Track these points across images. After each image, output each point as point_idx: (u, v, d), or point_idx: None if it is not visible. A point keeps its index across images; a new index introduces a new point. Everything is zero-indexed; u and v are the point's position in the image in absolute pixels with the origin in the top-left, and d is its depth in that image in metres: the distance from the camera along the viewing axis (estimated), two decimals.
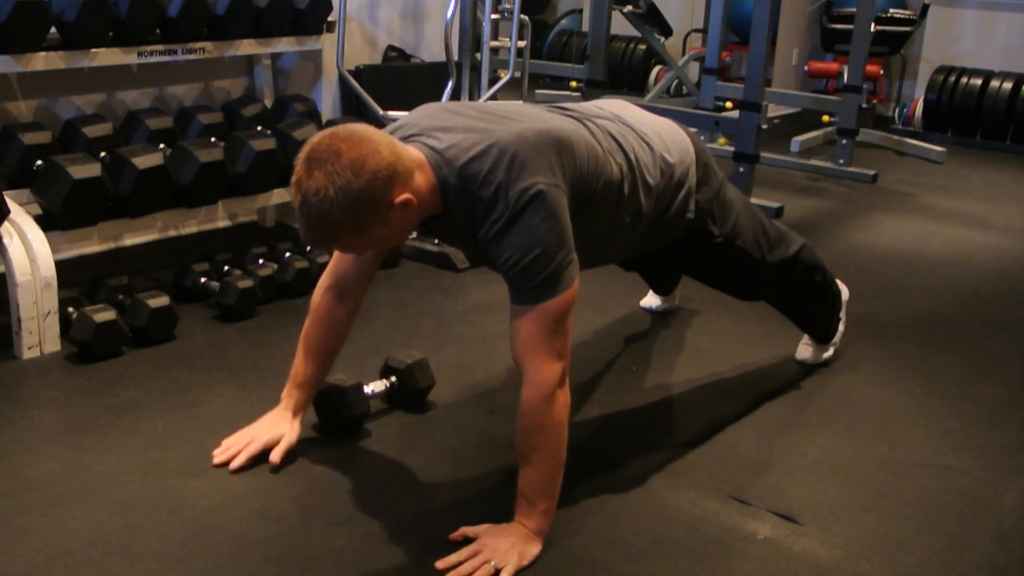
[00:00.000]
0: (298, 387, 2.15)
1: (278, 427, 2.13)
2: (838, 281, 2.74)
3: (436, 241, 3.42)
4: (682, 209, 2.16)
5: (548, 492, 1.82)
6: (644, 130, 2.10)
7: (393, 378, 2.38)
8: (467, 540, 1.84)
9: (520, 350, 1.78)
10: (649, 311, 3.12)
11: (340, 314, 2.09)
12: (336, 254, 2.06)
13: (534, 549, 1.81)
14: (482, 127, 1.82)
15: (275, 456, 2.09)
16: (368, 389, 2.30)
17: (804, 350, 2.77)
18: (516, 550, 1.79)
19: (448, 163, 1.77)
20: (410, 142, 1.81)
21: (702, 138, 5.83)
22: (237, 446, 2.11)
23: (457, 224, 1.83)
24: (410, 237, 3.30)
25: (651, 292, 3.12)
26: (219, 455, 2.10)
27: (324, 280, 2.10)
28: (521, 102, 2.05)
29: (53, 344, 2.61)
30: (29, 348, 2.58)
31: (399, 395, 2.38)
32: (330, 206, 1.63)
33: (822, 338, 2.75)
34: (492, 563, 1.77)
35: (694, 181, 2.18)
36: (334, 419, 2.23)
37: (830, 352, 2.77)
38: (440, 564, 1.78)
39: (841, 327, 2.77)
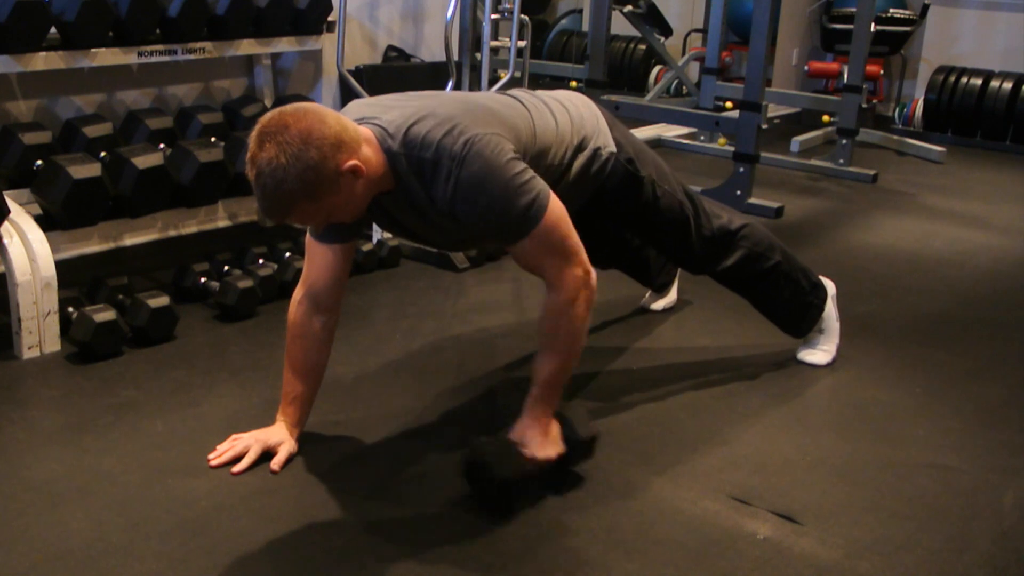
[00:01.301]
0: (291, 404, 2.16)
1: (277, 435, 2.14)
2: (823, 278, 2.73)
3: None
4: (600, 145, 2.26)
5: (562, 380, 2.02)
6: (548, 93, 2.28)
7: None
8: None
9: (533, 268, 1.95)
10: (648, 310, 3.11)
11: (316, 328, 2.11)
12: (306, 267, 2.10)
13: (556, 427, 2.03)
14: (417, 104, 1.94)
15: (275, 464, 2.09)
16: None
17: (802, 350, 2.77)
18: (550, 438, 2.01)
19: (391, 134, 1.87)
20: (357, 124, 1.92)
21: (701, 138, 5.88)
22: (234, 449, 2.11)
23: (411, 195, 1.91)
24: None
25: (649, 292, 3.12)
26: (215, 459, 2.10)
27: (296, 293, 2.13)
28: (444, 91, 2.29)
29: (53, 344, 2.61)
30: (29, 348, 2.58)
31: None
32: (283, 173, 1.72)
33: (792, 330, 2.74)
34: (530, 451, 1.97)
35: (605, 126, 2.30)
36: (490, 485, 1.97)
37: (829, 356, 2.75)
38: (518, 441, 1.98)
39: (836, 323, 2.76)
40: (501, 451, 1.97)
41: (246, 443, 2.11)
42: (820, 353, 2.75)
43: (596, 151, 2.25)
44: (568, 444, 2.04)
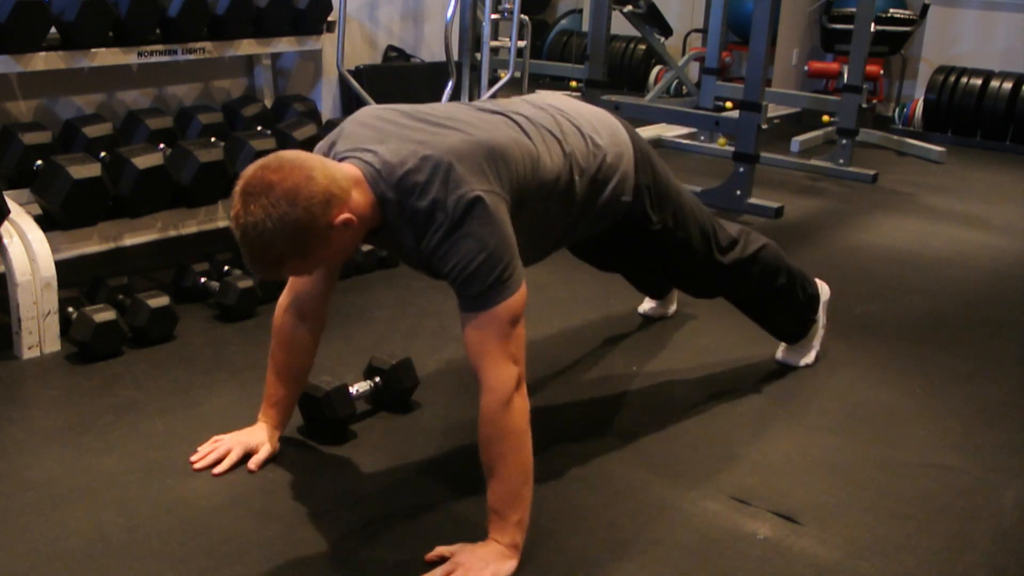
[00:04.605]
0: (272, 406, 2.16)
1: (257, 436, 2.14)
2: (818, 281, 2.72)
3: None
4: (617, 192, 2.14)
5: (518, 503, 1.78)
6: (574, 116, 2.11)
7: (377, 378, 2.36)
8: (442, 560, 1.79)
9: (474, 358, 1.77)
10: (646, 317, 3.09)
11: (301, 334, 2.09)
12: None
13: (510, 565, 1.76)
14: (416, 138, 1.83)
15: (253, 464, 2.09)
16: (353, 390, 2.29)
17: (781, 352, 2.76)
18: (491, 569, 1.74)
19: (385, 178, 1.78)
20: (347, 158, 1.83)
21: (701, 138, 5.88)
22: (216, 452, 2.10)
23: (398, 236, 1.83)
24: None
25: (647, 299, 3.08)
26: (197, 461, 2.09)
27: (283, 300, 2.11)
28: (454, 104, 2.09)
29: (53, 344, 2.61)
30: (29, 348, 2.58)
31: (384, 396, 2.37)
32: (270, 237, 1.67)
33: (789, 339, 2.74)
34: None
35: (630, 166, 2.16)
36: (318, 421, 2.22)
37: (811, 356, 2.74)
38: None
39: (821, 330, 2.74)
40: (334, 395, 2.18)
41: (227, 445, 2.11)
42: (798, 355, 2.74)
43: (617, 198, 2.13)
44: None
